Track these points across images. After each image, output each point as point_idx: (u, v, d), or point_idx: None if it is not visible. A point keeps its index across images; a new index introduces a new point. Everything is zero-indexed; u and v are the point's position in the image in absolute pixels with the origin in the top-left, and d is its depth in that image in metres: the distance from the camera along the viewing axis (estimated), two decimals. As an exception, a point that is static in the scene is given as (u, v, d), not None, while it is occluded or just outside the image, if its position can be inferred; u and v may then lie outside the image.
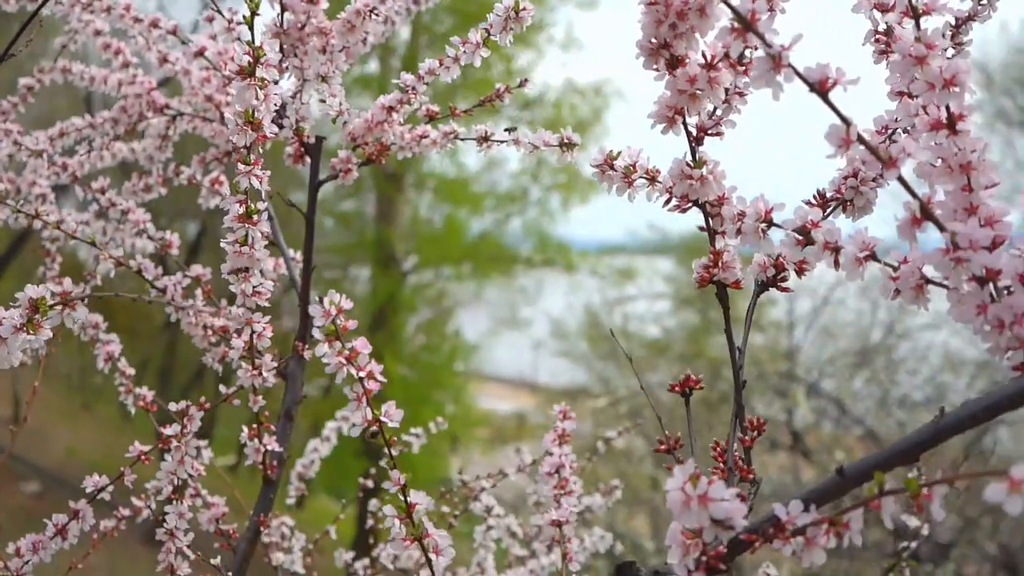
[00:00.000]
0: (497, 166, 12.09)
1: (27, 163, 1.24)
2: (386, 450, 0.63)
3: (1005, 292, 0.51)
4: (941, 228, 0.50)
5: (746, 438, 0.62)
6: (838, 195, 0.68)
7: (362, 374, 0.61)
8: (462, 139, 0.96)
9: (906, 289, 0.53)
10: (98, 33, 1.17)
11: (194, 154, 1.19)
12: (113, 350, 1.08)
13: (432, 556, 0.63)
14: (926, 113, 0.54)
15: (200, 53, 1.00)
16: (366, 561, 1.38)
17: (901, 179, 0.50)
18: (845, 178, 0.67)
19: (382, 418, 0.62)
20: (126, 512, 1.09)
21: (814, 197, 0.68)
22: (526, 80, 0.98)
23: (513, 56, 11.20)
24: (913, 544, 1.08)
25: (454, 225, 11.60)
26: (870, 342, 7.07)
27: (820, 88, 0.50)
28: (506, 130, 0.96)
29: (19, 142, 1.11)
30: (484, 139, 0.94)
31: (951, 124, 0.53)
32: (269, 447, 0.95)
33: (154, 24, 1.08)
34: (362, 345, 0.61)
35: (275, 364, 0.89)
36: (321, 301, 0.60)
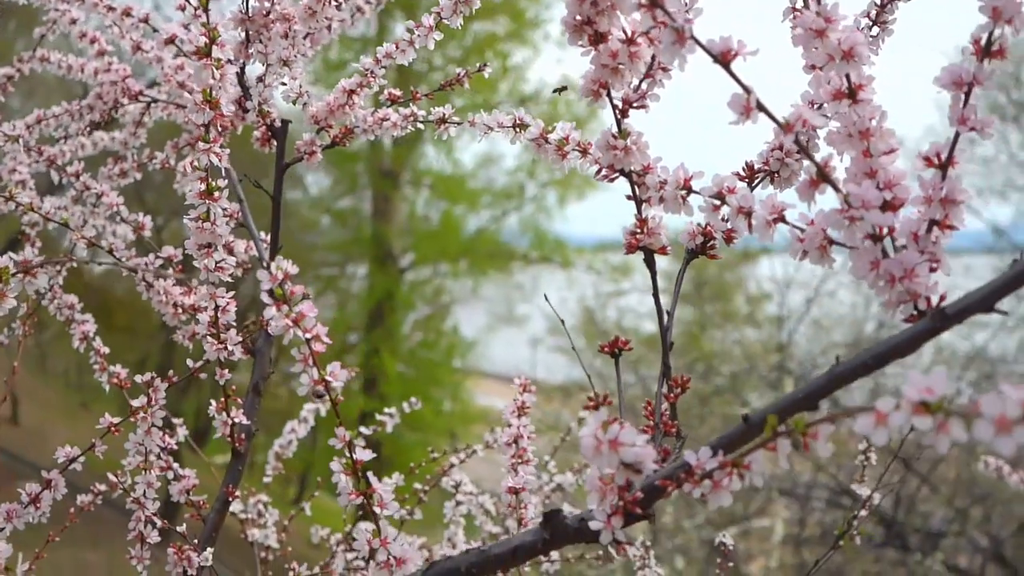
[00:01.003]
0: (493, 163, 12.13)
1: (6, 152, 1.27)
2: (333, 409, 0.67)
3: (903, 250, 0.54)
4: (837, 189, 0.54)
5: (671, 395, 0.65)
6: (765, 167, 0.71)
7: (309, 336, 0.64)
8: (421, 121, 0.99)
9: (812, 249, 0.57)
10: (74, 22, 1.20)
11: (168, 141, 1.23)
12: (88, 329, 1.11)
13: (377, 510, 0.66)
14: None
15: (171, 40, 1.04)
16: (339, 536, 1.41)
17: (798, 142, 0.54)
18: (772, 150, 0.70)
19: (327, 378, 0.65)
20: (102, 487, 1.12)
21: (743, 168, 0.72)
22: (485, 65, 1.01)
23: (509, 53, 11.26)
24: (863, 512, 1.11)
25: (451, 222, 11.64)
26: (864, 335, 7.11)
27: (723, 59, 0.53)
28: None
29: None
30: (442, 121, 0.97)
31: (852, 94, 0.56)
32: (237, 420, 0.98)
33: (126, 13, 1.11)
34: (308, 308, 0.65)
35: (240, 339, 0.92)
36: (269, 268, 0.63)
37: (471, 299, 12.12)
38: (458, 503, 1.30)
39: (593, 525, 0.57)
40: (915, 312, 0.53)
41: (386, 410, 1.40)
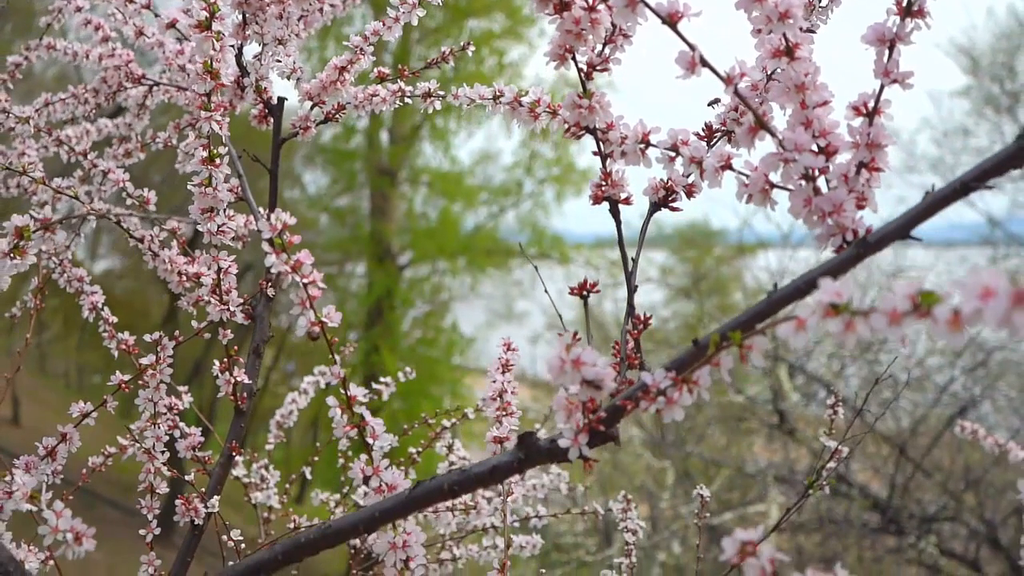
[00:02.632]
0: (491, 160, 12.19)
1: (15, 136, 1.33)
2: (328, 347, 0.73)
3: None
4: (773, 135, 0.60)
5: (635, 331, 0.72)
6: (723, 127, 0.77)
7: (306, 280, 0.70)
8: (409, 96, 1.05)
9: (755, 192, 0.63)
10: (79, 10, 1.27)
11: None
12: (97, 300, 1.17)
13: (370, 440, 0.73)
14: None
15: (172, 25, 1.10)
16: (338, 496, 1.48)
17: (737, 92, 0.60)
18: (728, 111, 0.77)
19: (323, 319, 0.72)
20: (112, 449, 1.18)
21: (702, 128, 0.78)
22: (469, 43, 1.07)
23: (505, 50, 11.31)
24: (832, 464, 1.17)
25: (449, 219, 11.69)
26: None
27: (671, 20, 0.59)
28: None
29: (7, 110, 1.20)
30: (428, 95, 1.03)
31: (789, 52, 0.62)
32: (239, 379, 1.05)
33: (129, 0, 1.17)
34: (305, 256, 0.71)
35: (241, 300, 0.99)
36: (268, 218, 0.69)
37: (470, 296, 12.18)
38: (451, 464, 1.36)
39: (562, 443, 0.63)
40: (843, 243, 0.59)
41: (382, 379, 1.46)
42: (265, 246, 0.70)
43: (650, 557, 5.99)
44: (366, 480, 0.72)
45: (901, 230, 0.56)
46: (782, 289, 0.59)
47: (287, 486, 1.43)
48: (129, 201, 1.16)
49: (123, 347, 1.13)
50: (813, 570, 0.50)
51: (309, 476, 1.46)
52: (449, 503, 1.24)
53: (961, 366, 6.69)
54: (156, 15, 1.15)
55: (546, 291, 0.97)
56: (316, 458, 1.50)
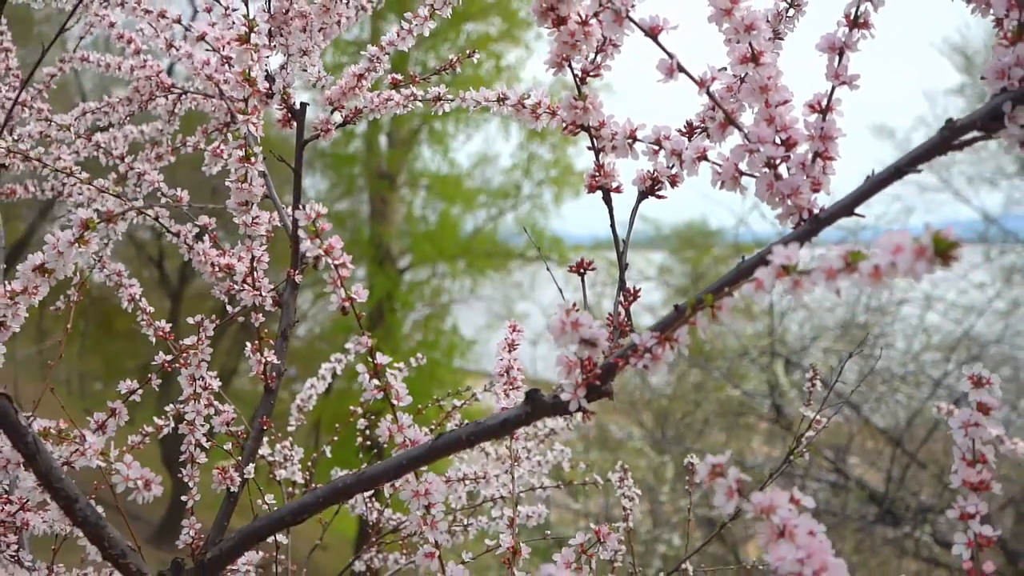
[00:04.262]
0: (489, 162, 12.30)
1: (54, 142, 1.44)
2: (356, 322, 0.83)
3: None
4: (740, 130, 0.71)
5: (625, 302, 0.82)
6: (702, 124, 0.88)
7: (337, 262, 0.81)
8: (420, 100, 1.16)
9: (727, 179, 0.74)
10: (112, 25, 1.37)
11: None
12: (135, 292, 1.28)
13: (394, 402, 0.83)
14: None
15: (201, 38, 1.20)
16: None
17: (709, 94, 0.70)
18: (706, 110, 0.87)
19: (352, 295, 0.82)
20: (149, 429, 1.29)
21: (684, 126, 0.89)
22: (474, 51, 1.18)
23: (502, 54, 11.43)
24: (810, 434, 1.27)
25: (448, 222, 11.79)
26: (855, 321, 7.30)
27: (652, 33, 0.70)
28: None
29: (49, 118, 1.30)
30: (437, 99, 1.14)
31: (755, 58, 0.73)
32: (269, 360, 1.15)
33: (162, 15, 1.27)
34: (336, 241, 0.82)
35: (272, 287, 1.09)
36: (304, 207, 0.80)
37: (469, 299, 12.27)
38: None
39: (564, 396, 0.73)
40: (800, 220, 0.69)
41: (395, 365, 1.56)
42: (301, 232, 0.80)
43: (651, 551, 6.09)
44: (391, 439, 0.82)
45: (846, 209, 0.66)
46: (748, 260, 0.69)
47: (309, 463, 1.53)
48: (163, 200, 1.26)
49: (160, 334, 1.23)
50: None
51: (329, 455, 1.56)
52: (461, 474, 1.34)
53: (956, 360, 6.80)
54: (187, 29, 1.26)
55: (555, 281, 1.07)
56: (336, 438, 1.60)
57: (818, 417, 1.27)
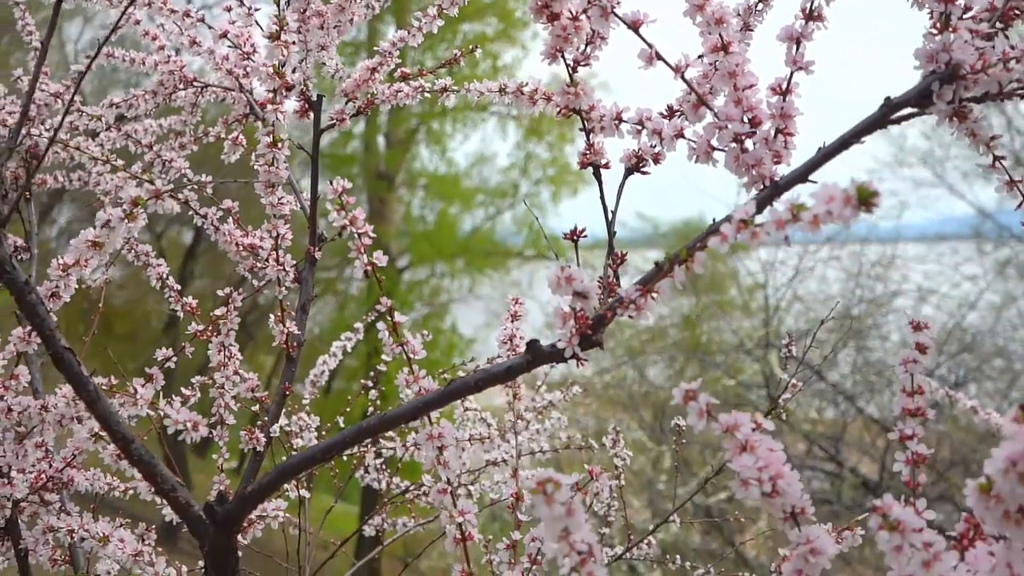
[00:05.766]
0: (486, 162, 12.40)
1: (80, 134, 1.54)
2: (378, 285, 0.94)
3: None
4: (711, 109, 0.81)
5: (614, 265, 0.93)
6: (680, 106, 0.98)
7: (360, 231, 0.92)
8: (427, 92, 1.26)
9: (700, 153, 0.84)
10: (137, 22, 1.47)
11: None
12: (162, 271, 1.38)
13: (411, 355, 0.94)
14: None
15: (224, 35, 1.31)
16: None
17: (684, 79, 0.81)
18: (683, 95, 0.98)
19: (374, 260, 0.93)
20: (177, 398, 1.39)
21: (666, 108, 0.99)
22: (476, 47, 1.29)
23: (499, 54, 11.54)
24: (788, 395, 1.38)
25: (446, 222, 11.90)
26: (851, 314, 7.42)
27: (634, 26, 0.80)
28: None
29: (81, 109, 1.41)
30: (444, 90, 1.24)
31: (724, 48, 0.83)
32: (291, 330, 1.26)
33: (186, 14, 1.38)
34: (359, 213, 0.92)
35: (295, 262, 1.20)
36: (331, 182, 0.90)
37: (468, 298, 12.36)
38: (465, 409, 1.57)
39: (560, 345, 0.84)
40: (763, 187, 0.80)
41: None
42: (328, 205, 0.91)
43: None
44: (408, 383, 0.93)
45: (801, 176, 0.77)
46: (718, 222, 0.80)
47: (323, 432, 1.63)
48: (189, 186, 1.37)
49: (187, 309, 1.34)
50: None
51: (342, 425, 1.66)
52: (467, 435, 1.45)
53: (947, 352, 6.92)
54: (210, 27, 1.36)
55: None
56: (348, 409, 1.71)
57: (794, 381, 1.38)
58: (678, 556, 1.48)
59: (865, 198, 0.57)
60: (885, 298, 7.27)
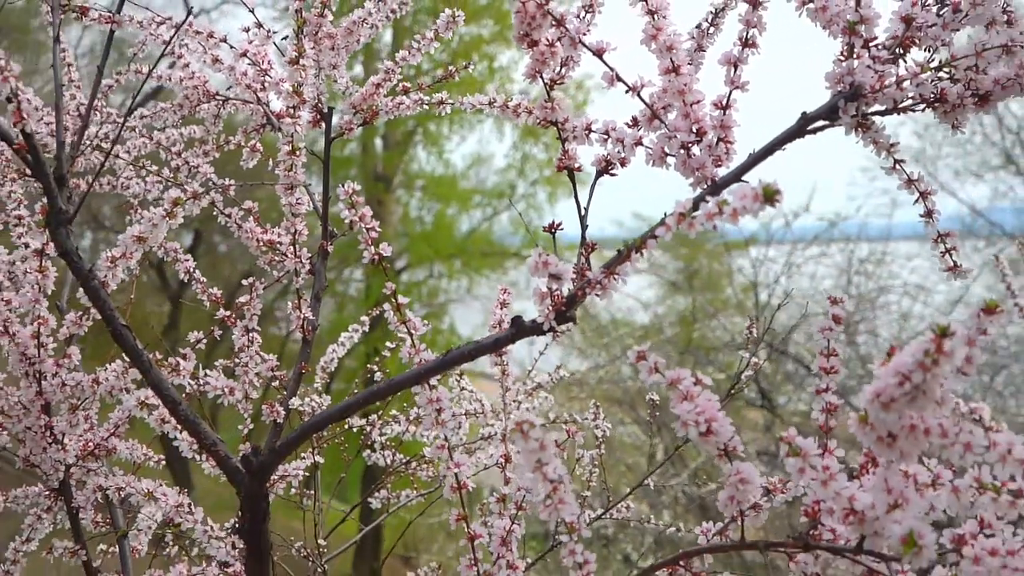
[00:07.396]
0: (483, 163, 12.56)
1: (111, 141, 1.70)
2: (384, 273, 1.10)
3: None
4: (662, 122, 0.98)
5: (585, 252, 1.09)
6: (639, 119, 1.14)
7: (368, 226, 1.08)
8: (427, 104, 1.43)
9: (656, 158, 1.01)
10: (166, 43, 1.63)
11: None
12: (189, 266, 1.54)
13: (412, 331, 1.10)
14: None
15: (244, 54, 1.47)
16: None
17: (640, 96, 0.97)
18: (643, 110, 1.14)
19: (380, 251, 1.09)
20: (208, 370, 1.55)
21: (631, 119, 1.15)
22: (469, 63, 1.45)
23: (495, 56, 11.70)
24: (749, 373, 1.54)
25: (444, 223, 12.05)
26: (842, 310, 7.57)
27: (598, 53, 0.97)
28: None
29: (117, 120, 1.57)
30: (441, 102, 1.41)
31: (675, 69, 1.00)
32: (306, 315, 1.42)
33: (210, 35, 1.54)
34: (367, 210, 1.08)
35: (310, 255, 1.36)
36: (343, 184, 1.07)
37: (466, 298, 12.51)
38: (463, 388, 1.73)
39: (539, 319, 1.00)
40: (705, 187, 0.96)
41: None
42: (341, 204, 1.07)
43: (643, 530, 6.36)
44: (411, 355, 1.09)
45: (735, 177, 0.93)
46: (666, 215, 0.96)
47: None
48: (215, 189, 1.53)
49: (213, 299, 1.50)
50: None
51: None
52: (463, 409, 1.61)
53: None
54: (232, 47, 1.53)
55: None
56: (355, 390, 1.85)
57: (756, 360, 1.54)
58: (660, 522, 1.64)
59: (770, 196, 0.74)
60: (875, 294, 7.45)
